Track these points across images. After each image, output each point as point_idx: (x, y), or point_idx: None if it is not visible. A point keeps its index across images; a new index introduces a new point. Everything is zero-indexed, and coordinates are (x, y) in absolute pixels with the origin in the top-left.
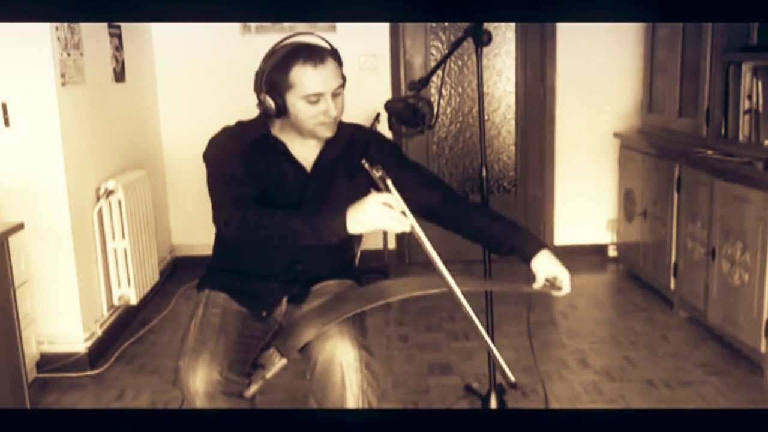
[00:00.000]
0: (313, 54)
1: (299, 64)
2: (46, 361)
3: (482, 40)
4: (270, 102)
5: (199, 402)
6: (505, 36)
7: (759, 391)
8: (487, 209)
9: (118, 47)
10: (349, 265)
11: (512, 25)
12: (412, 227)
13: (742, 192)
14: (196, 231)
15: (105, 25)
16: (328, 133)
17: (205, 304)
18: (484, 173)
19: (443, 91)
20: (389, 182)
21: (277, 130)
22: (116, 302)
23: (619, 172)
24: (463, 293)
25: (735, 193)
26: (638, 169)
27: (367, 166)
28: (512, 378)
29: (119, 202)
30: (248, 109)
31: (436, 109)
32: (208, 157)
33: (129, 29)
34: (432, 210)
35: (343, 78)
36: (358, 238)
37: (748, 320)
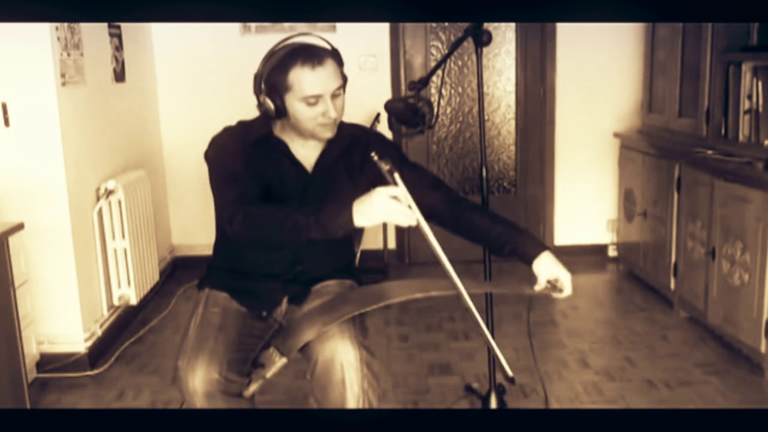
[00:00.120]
0: (312, 55)
1: (298, 66)
2: (46, 361)
3: (482, 40)
4: (269, 104)
5: (199, 401)
6: (505, 36)
7: (759, 391)
8: (488, 210)
9: (118, 47)
10: (349, 265)
11: (512, 25)
12: (418, 221)
13: (742, 192)
14: (196, 231)
15: (105, 25)
16: (328, 134)
17: (206, 303)
18: (484, 173)
19: (443, 91)
20: (397, 176)
21: (279, 130)
22: (116, 302)
23: (619, 172)
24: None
25: (735, 193)
26: (638, 169)
27: (376, 158)
28: (510, 372)
29: (119, 202)
30: (248, 109)
31: (436, 109)
32: (210, 156)
33: (129, 29)
34: (433, 211)
35: (344, 78)
36: (359, 238)
37: (748, 320)
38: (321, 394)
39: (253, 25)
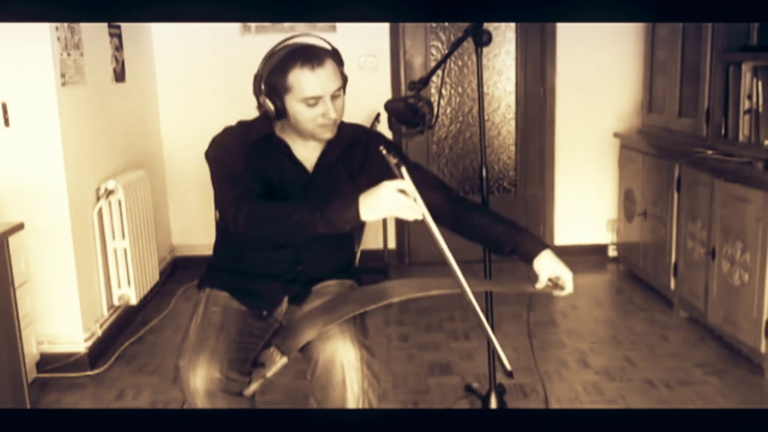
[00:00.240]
0: (311, 56)
1: (297, 67)
2: (46, 361)
3: (482, 40)
4: (269, 105)
5: (200, 400)
6: (505, 36)
7: (759, 391)
8: (488, 210)
9: (118, 47)
10: (349, 265)
11: (512, 25)
12: (424, 215)
13: (742, 192)
14: (196, 231)
15: (105, 25)
16: (328, 134)
17: (206, 302)
18: (484, 173)
19: (443, 91)
20: (404, 169)
21: (279, 130)
22: (116, 302)
23: (619, 172)
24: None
25: (735, 193)
26: (638, 169)
27: (384, 152)
28: (508, 366)
29: (119, 202)
30: (248, 109)
31: (436, 109)
32: (211, 155)
33: (129, 29)
34: (433, 210)
35: (344, 79)
36: (359, 237)
37: (748, 320)
38: (321, 394)
39: (253, 25)
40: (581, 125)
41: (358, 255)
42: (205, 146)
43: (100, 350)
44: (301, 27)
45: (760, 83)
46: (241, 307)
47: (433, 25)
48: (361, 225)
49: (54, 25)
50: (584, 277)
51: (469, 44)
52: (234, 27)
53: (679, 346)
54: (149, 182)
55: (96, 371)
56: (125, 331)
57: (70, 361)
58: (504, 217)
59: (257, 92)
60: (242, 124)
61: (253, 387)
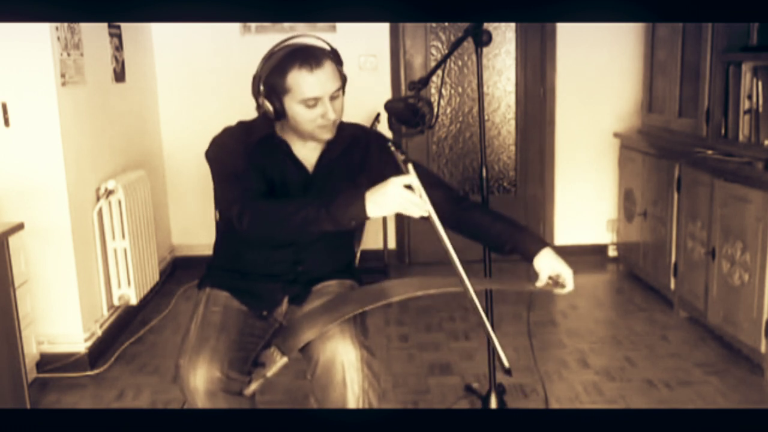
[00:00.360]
0: (310, 57)
1: (296, 69)
2: (46, 361)
3: (482, 40)
4: (268, 106)
5: (200, 400)
6: (505, 36)
7: (759, 391)
8: (488, 209)
9: (118, 47)
10: (349, 265)
11: (512, 25)
12: (429, 212)
13: (742, 192)
14: (196, 231)
15: (105, 25)
16: (327, 135)
17: (206, 302)
18: (484, 173)
19: (443, 91)
20: (410, 166)
21: (279, 130)
22: (116, 302)
23: (619, 172)
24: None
25: (735, 193)
26: (638, 169)
27: (393, 148)
28: (506, 363)
29: (119, 202)
30: (248, 109)
31: (436, 109)
32: (213, 155)
33: (129, 29)
34: (434, 209)
35: (343, 79)
36: (359, 237)
37: (748, 320)
38: (321, 394)
39: (253, 25)
40: (581, 125)
41: (358, 255)
42: (205, 146)
43: (100, 350)
44: (301, 27)
45: (760, 83)
46: (241, 307)
47: (433, 25)
48: (364, 223)
49: (54, 25)
50: (584, 277)
51: (469, 44)
52: (234, 27)
53: (679, 346)
54: (149, 182)
55: (96, 371)
56: (125, 331)
57: (70, 361)
58: (504, 215)
59: (256, 93)
60: (242, 125)
61: (253, 387)
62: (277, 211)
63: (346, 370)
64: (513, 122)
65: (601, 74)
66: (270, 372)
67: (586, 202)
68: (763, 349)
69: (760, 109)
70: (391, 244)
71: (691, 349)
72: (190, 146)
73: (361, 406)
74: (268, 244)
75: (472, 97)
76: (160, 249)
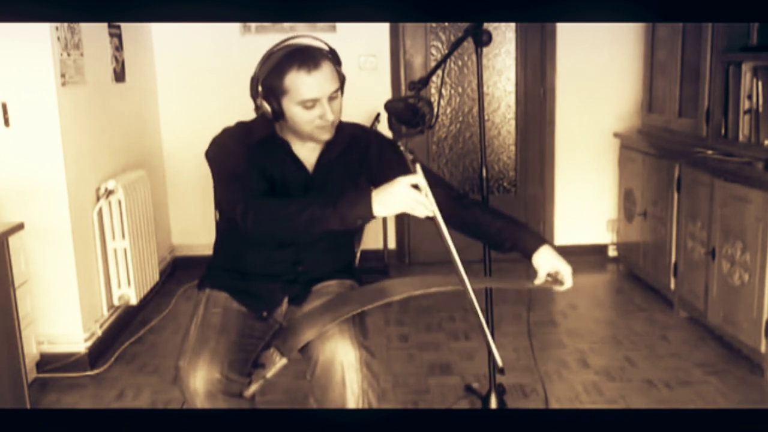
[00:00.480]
0: (308, 59)
1: (294, 70)
2: (46, 361)
3: (482, 40)
4: (266, 107)
5: (200, 401)
6: (505, 36)
7: (759, 391)
8: (488, 206)
9: (118, 47)
10: (349, 265)
11: (512, 25)
12: (434, 213)
13: (742, 192)
14: (196, 231)
15: (105, 25)
16: (325, 136)
17: (206, 303)
18: (484, 173)
19: (443, 91)
20: (418, 167)
21: (279, 130)
22: (116, 302)
23: (619, 172)
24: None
25: (735, 193)
26: (638, 169)
27: (402, 148)
28: (500, 363)
29: (119, 202)
30: (248, 110)
31: (436, 109)
32: (213, 155)
33: (129, 29)
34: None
35: (342, 79)
36: (359, 238)
37: (748, 320)
38: (321, 394)
39: (253, 25)
40: (581, 125)
41: (358, 255)
42: (205, 146)
43: (100, 350)
44: (301, 27)
45: (760, 83)
46: (241, 308)
47: (433, 25)
48: (359, 227)
49: (54, 25)
50: (584, 277)
51: (469, 44)
52: (234, 27)
53: (679, 346)
54: (149, 182)
55: (96, 371)
56: (125, 331)
57: (70, 361)
58: (503, 213)
59: (254, 94)
60: (242, 125)
61: (253, 388)
62: (282, 210)
63: (346, 370)
64: (513, 122)
65: (601, 74)
66: (270, 373)
67: (586, 202)
68: (763, 349)
69: (760, 109)
70: (391, 244)
71: (691, 349)
72: (190, 146)
73: (360, 407)
74: (269, 244)
75: (472, 97)
76: (160, 249)
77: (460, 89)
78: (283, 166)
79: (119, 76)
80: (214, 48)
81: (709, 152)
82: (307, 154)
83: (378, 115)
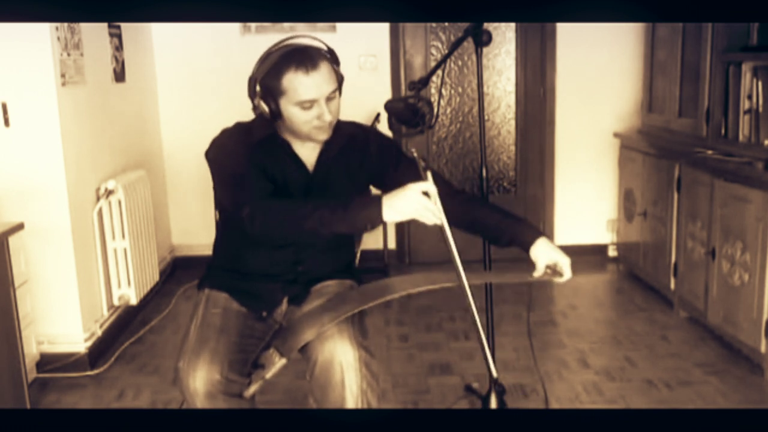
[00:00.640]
0: (305, 60)
1: (291, 71)
2: (46, 361)
3: (482, 40)
4: (264, 107)
5: (200, 402)
6: (505, 36)
7: (759, 391)
8: (487, 202)
9: (118, 47)
10: (349, 266)
11: (512, 25)
12: (442, 222)
13: (742, 192)
14: (196, 231)
15: (105, 25)
16: (323, 136)
17: (206, 304)
18: (484, 173)
19: (443, 91)
20: (429, 174)
21: (279, 130)
22: (116, 302)
23: (619, 172)
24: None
25: (735, 193)
26: (638, 169)
27: (415, 154)
28: (495, 374)
29: (119, 202)
30: (248, 110)
31: (436, 109)
32: (214, 156)
33: (129, 29)
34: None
35: (340, 79)
36: (359, 238)
37: (748, 320)
38: (320, 395)
39: (253, 25)
40: (581, 125)
41: (358, 255)
42: (205, 146)
43: (100, 350)
44: (301, 27)
45: (760, 83)
46: (241, 308)
47: (433, 25)
48: (377, 226)
49: (54, 25)
50: (584, 277)
51: (469, 44)
52: (234, 27)
53: (679, 346)
54: (149, 182)
55: (96, 371)
56: (125, 331)
57: (70, 361)
58: (501, 208)
59: (252, 94)
60: (242, 126)
61: (253, 388)
62: (291, 212)
63: (345, 370)
64: (513, 122)
65: (601, 74)
66: (269, 374)
67: (586, 202)
68: (763, 349)
69: (760, 109)
70: (391, 244)
71: (691, 349)
72: (190, 146)
73: (359, 407)
74: (269, 244)
75: (472, 97)
76: (160, 249)
77: (460, 89)
78: (284, 166)
79: (119, 76)
80: (214, 48)
81: (709, 152)
82: (308, 153)
83: (378, 115)
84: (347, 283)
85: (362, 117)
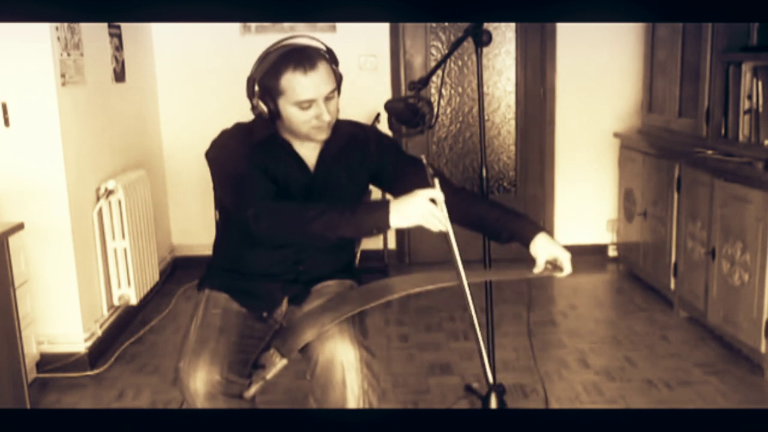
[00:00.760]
0: (303, 60)
1: (289, 71)
2: (46, 361)
3: (482, 40)
4: (263, 107)
5: (200, 402)
6: (505, 36)
7: (759, 391)
8: (486, 199)
9: (118, 47)
10: (349, 265)
11: (512, 25)
12: (448, 229)
13: (742, 192)
14: (196, 231)
15: (105, 25)
16: (322, 136)
17: (206, 304)
18: (484, 173)
19: (443, 91)
20: (437, 181)
21: (279, 130)
22: (116, 302)
23: (619, 172)
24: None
25: (735, 193)
26: (638, 169)
27: (425, 161)
28: (491, 380)
29: (119, 202)
30: (248, 110)
31: (436, 109)
32: (216, 157)
33: (129, 29)
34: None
35: (338, 79)
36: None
37: (748, 320)
38: (321, 394)
39: (253, 25)
40: (581, 125)
41: (358, 255)
42: (205, 146)
43: (100, 350)
44: (301, 27)
45: (760, 83)
46: (241, 309)
47: (433, 25)
48: (384, 232)
49: (54, 25)
50: (584, 277)
51: (469, 44)
52: (234, 27)
53: (679, 346)
54: (149, 182)
55: (96, 371)
56: (125, 331)
57: (70, 361)
58: (501, 204)
59: (251, 94)
60: (242, 126)
61: (253, 389)
62: (298, 214)
63: (346, 370)
64: (513, 122)
65: (601, 74)
66: (270, 374)
67: (586, 202)
68: (763, 349)
69: (760, 109)
70: (391, 244)
71: (691, 349)
72: (190, 146)
73: (360, 406)
74: (270, 244)
75: (472, 97)
76: (160, 249)
77: (460, 89)
78: (285, 167)
79: (119, 76)
80: (214, 48)
81: (709, 152)
82: (308, 153)
83: (378, 115)
84: (347, 283)
85: (362, 117)
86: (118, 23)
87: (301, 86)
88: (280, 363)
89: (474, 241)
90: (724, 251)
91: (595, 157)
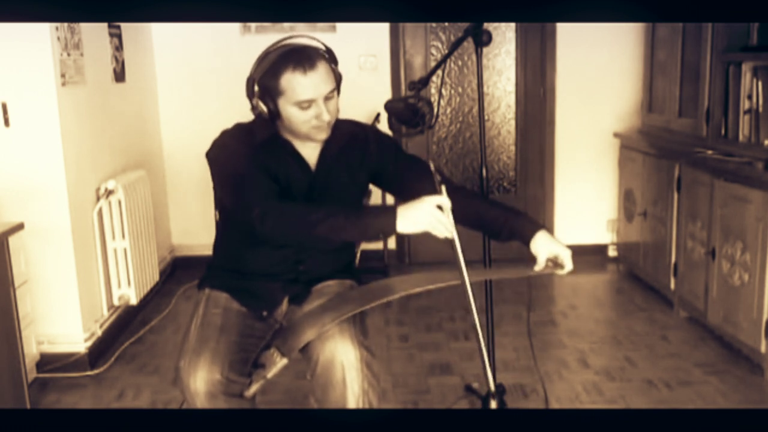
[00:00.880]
0: (303, 60)
1: (289, 71)
2: (46, 361)
3: (482, 40)
4: (263, 107)
5: (200, 402)
6: (505, 36)
7: (759, 391)
8: (486, 197)
9: (118, 47)
10: (349, 265)
11: (512, 25)
12: (453, 236)
13: (742, 192)
14: (196, 231)
15: (105, 25)
16: (322, 136)
17: (206, 303)
18: (484, 173)
19: (443, 91)
20: (443, 188)
21: (280, 130)
22: (116, 302)
23: (619, 172)
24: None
25: (735, 193)
26: (638, 169)
27: (433, 168)
28: (492, 386)
29: (119, 202)
30: (248, 110)
31: (436, 109)
32: (216, 157)
33: (129, 29)
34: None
35: (338, 79)
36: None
37: (748, 320)
38: (321, 394)
39: (253, 25)
40: (581, 125)
41: (358, 255)
42: (205, 146)
43: (100, 350)
44: (301, 27)
45: (760, 83)
46: (241, 308)
47: (433, 25)
48: (389, 237)
49: (54, 25)
50: (584, 277)
51: (469, 44)
52: (234, 27)
53: (679, 346)
54: (149, 182)
55: (96, 371)
56: (125, 331)
57: (70, 361)
58: (501, 203)
59: (250, 94)
60: (242, 127)
61: (254, 388)
62: (304, 215)
63: (346, 370)
64: (513, 122)
65: (601, 74)
66: (270, 373)
67: (586, 202)
68: (763, 349)
69: (760, 109)
70: (391, 244)
71: (691, 349)
72: (190, 146)
73: (361, 406)
74: (270, 243)
75: (472, 97)
76: (160, 249)
77: (460, 89)
78: (287, 167)
79: (119, 76)
80: (214, 48)
81: (709, 152)
82: (309, 153)
83: (378, 115)
84: (347, 283)
85: (362, 117)
86: (118, 23)
87: (300, 86)
88: (281, 362)
89: (474, 240)
90: (724, 251)
91: (595, 157)
